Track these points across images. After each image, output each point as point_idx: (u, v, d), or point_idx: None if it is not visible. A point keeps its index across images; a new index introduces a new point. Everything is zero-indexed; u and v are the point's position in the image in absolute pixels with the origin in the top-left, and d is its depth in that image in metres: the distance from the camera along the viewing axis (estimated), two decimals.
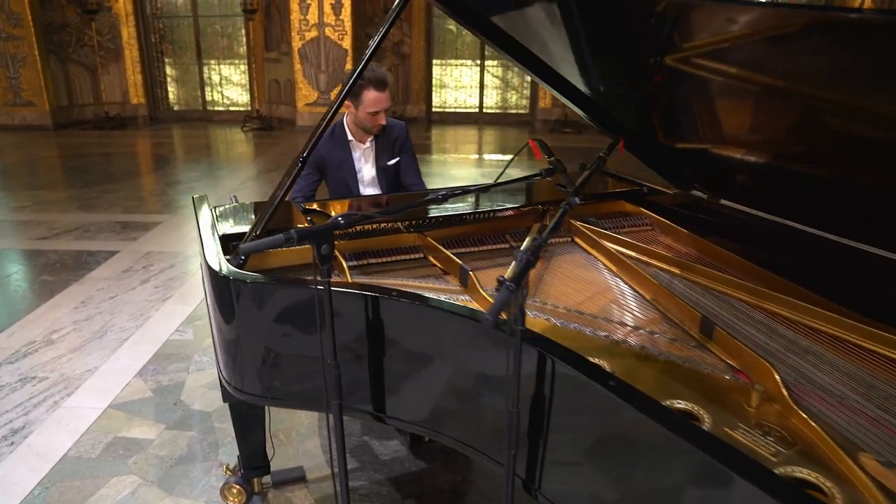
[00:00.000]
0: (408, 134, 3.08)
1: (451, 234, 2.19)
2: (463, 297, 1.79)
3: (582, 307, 1.79)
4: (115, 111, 10.98)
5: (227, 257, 1.68)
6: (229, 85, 12.14)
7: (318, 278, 1.29)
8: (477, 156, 9.29)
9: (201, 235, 1.86)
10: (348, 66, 10.18)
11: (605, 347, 1.56)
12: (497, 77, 12.53)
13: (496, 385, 1.36)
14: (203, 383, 3.12)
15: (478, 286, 1.74)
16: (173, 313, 3.83)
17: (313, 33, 10.05)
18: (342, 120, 2.98)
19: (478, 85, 12.29)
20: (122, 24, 10.95)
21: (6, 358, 3.31)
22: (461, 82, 12.39)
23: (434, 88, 12.14)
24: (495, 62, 12.43)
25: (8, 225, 5.52)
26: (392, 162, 3.02)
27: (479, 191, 2.14)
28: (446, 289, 1.86)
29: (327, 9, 9.93)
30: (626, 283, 1.94)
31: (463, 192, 1.79)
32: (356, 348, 1.48)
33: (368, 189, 3.06)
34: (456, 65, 12.29)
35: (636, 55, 2.11)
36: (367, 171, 3.03)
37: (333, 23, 9.99)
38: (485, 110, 12.39)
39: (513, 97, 12.53)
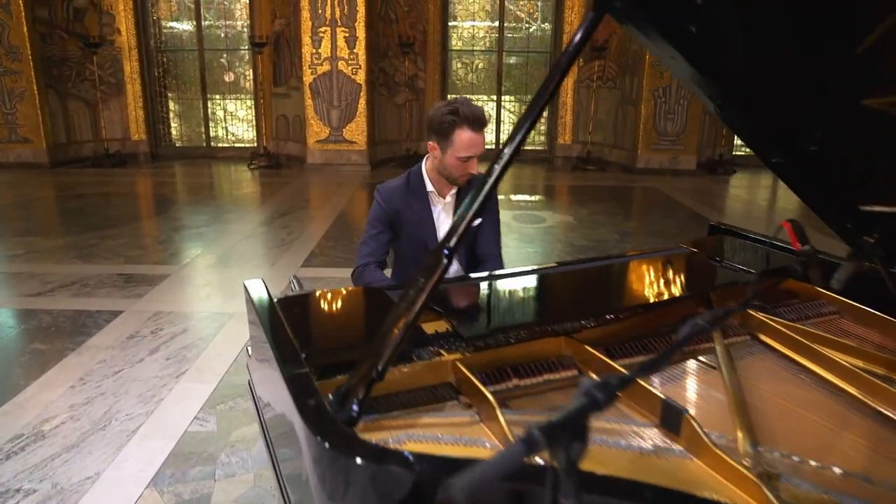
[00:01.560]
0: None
1: (603, 336, 1.59)
2: (674, 450, 1.19)
3: (853, 465, 1.19)
4: (115, 148, 10.44)
5: (325, 389, 1.08)
6: (234, 120, 11.64)
7: (559, 499, 0.69)
8: (502, 196, 8.73)
9: (275, 349, 1.25)
10: (362, 102, 9.71)
11: None
12: (513, 112, 12.10)
13: None
14: (235, 496, 2.48)
15: (708, 442, 1.14)
16: (190, 394, 3.20)
17: (326, 67, 9.59)
18: (419, 166, 2.42)
19: (493, 121, 11.83)
20: (124, 59, 10.48)
21: None
22: None
23: None
24: (511, 97, 12.02)
25: None
26: (475, 223, 2.45)
27: (741, 308, 1.53)
28: (636, 431, 1.25)
29: (341, 42, 9.48)
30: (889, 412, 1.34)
31: (730, 311, 1.20)
32: None
33: None
34: (471, 100, 11.81)
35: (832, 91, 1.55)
36: (444, 231, 2.45)
37: (347, 56, 9.54)
38: (501, 146, 11.90)
39: (530, 133, 12.06)
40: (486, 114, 2.24)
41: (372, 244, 2.38)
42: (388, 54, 10.53)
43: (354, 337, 1.45)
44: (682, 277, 1.94)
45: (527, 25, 11.43)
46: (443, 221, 2.45)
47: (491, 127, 11.84)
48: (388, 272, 2.53)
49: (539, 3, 11.27)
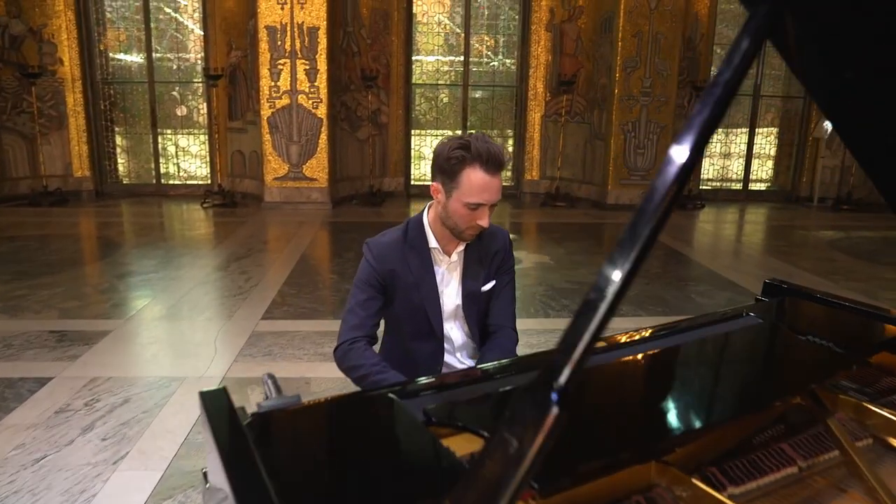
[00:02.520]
0: (511, 248, 2.11)
1: (698, 454, 1.17)
2: None
3: None
4: (56, 185, 9.72)
5: None
6: (187, 156, 11.05)
7: None
8: None
9: None
10: (323, 137, 9.26)
11: None
12: None
13: None
14: None
15: None
16: (130, 487, 2.64)
17: (285, 101, 9.14)
18: (420, 216, 1.99)
19: None
20: (67, 90, 9.83)
21: None
22: None
23: (412, 160, 11.30)
24: (475, 132, 11.73)
25: None
26: (487, 287, 2.03)
27: None
28: None
29: (301, 75, 9.07)
30: None
31: None
32: None
33: (448, 325, 2.04)
34: (436, 135, 11.52)
35: None
36: (449, 296, 2.02)
37: (308, 90, 9.11)
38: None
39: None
40: (506, 154, 1.82)
41: (360, 313, 1.92)
42: (351, 88, 10.15)
43: (366, 488, 0.99)
44: (771, 362, 1.54)
45: (487, 60, 11.23)
46: (447, 284, 2.01)
47: None
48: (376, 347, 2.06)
49: (501, 38, 11.10)
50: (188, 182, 10.89)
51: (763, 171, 11.72)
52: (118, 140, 10.70)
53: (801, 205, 11.06)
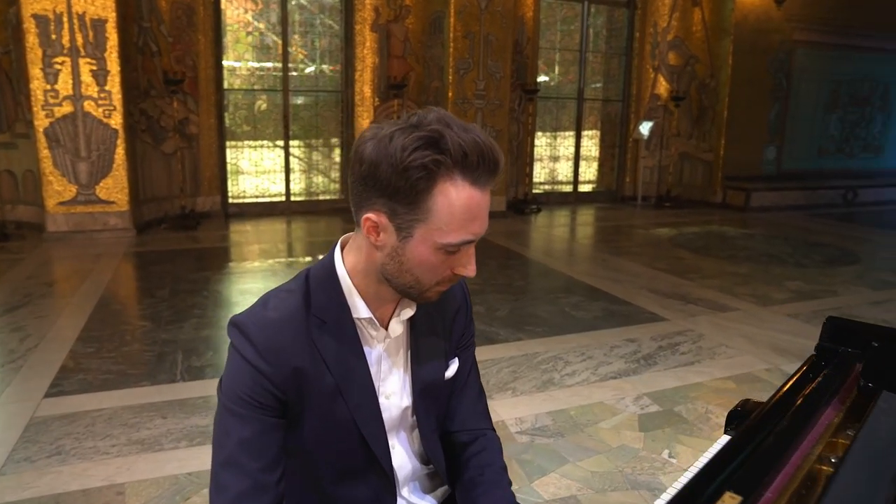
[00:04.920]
0: (471, 303, 1.34)
1: None
2: None
3: None
4: None
5: None
6: None
7: None
8: (293, 260, 7.43)
9: None
10: (119, 151, 7.77)
11: None
12: (302, 160, 10.82)
13: None
14: None
15: None
16: None
17: (67, 108, 7.52)
18: (329, 262, 1.14)
19: (282, 169, 10.44)
20: None
21: None
22: (262, 167, 10.43)
23: (229, 175, 10.02)
24: (299, 142, 10.73)
25: None
26: (451, 371, 1.24)
27: None
28: None
29: (86, 77, 7.51)
30: None
31: None
32: None
33: (391, 443, 1.22)
34: (254, 146, 10.34)
35: None
36: (391, 396, 1.19)
37: (96, 95, 7.58)
38: (292, 198, 10.52)
39: (321, 182, 10.86)
40: (498, 149, 1.02)
41: (249, 465, 1.03)
42: (151, 93, 8.68)
43: None
44: None
45: (304, 65, 10.31)
46: (386, 375, 1.18)
47: (279, 176, 10.41)
48: None
49: (322, 40, 10.23)
50: None
51: (589, 172, 12.01)
52: None
53: (627, 204, 11.46)
